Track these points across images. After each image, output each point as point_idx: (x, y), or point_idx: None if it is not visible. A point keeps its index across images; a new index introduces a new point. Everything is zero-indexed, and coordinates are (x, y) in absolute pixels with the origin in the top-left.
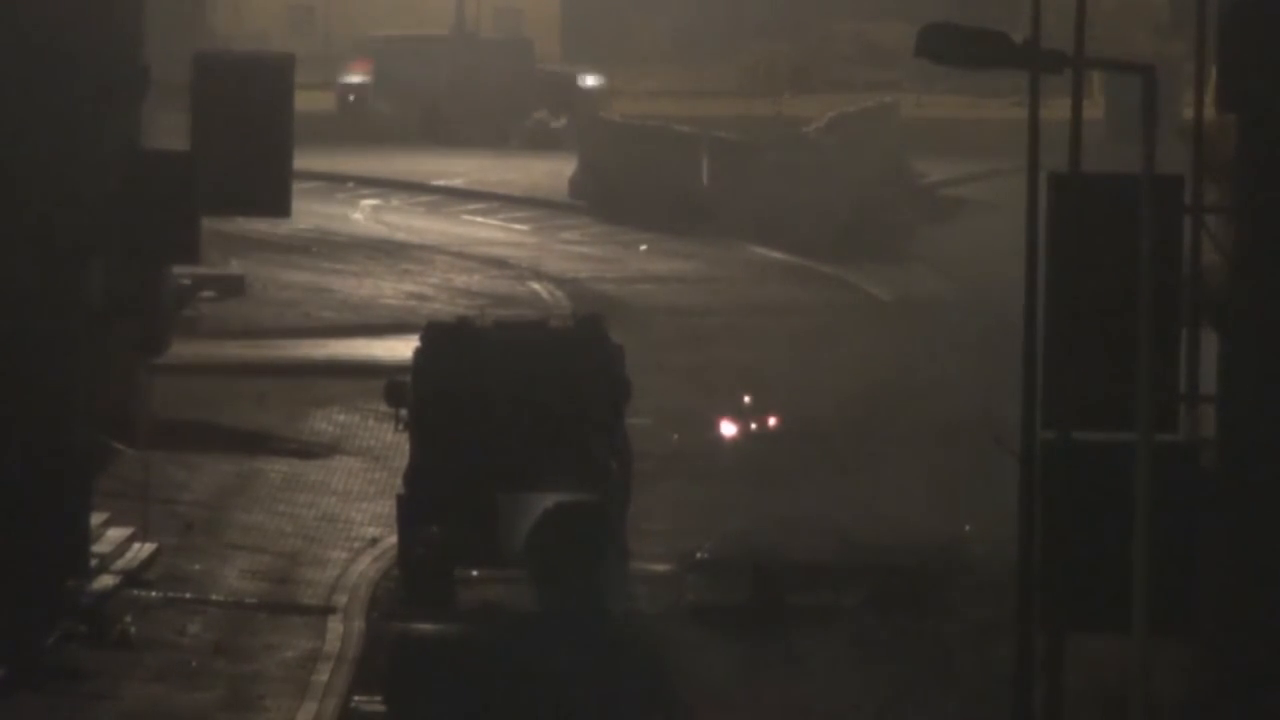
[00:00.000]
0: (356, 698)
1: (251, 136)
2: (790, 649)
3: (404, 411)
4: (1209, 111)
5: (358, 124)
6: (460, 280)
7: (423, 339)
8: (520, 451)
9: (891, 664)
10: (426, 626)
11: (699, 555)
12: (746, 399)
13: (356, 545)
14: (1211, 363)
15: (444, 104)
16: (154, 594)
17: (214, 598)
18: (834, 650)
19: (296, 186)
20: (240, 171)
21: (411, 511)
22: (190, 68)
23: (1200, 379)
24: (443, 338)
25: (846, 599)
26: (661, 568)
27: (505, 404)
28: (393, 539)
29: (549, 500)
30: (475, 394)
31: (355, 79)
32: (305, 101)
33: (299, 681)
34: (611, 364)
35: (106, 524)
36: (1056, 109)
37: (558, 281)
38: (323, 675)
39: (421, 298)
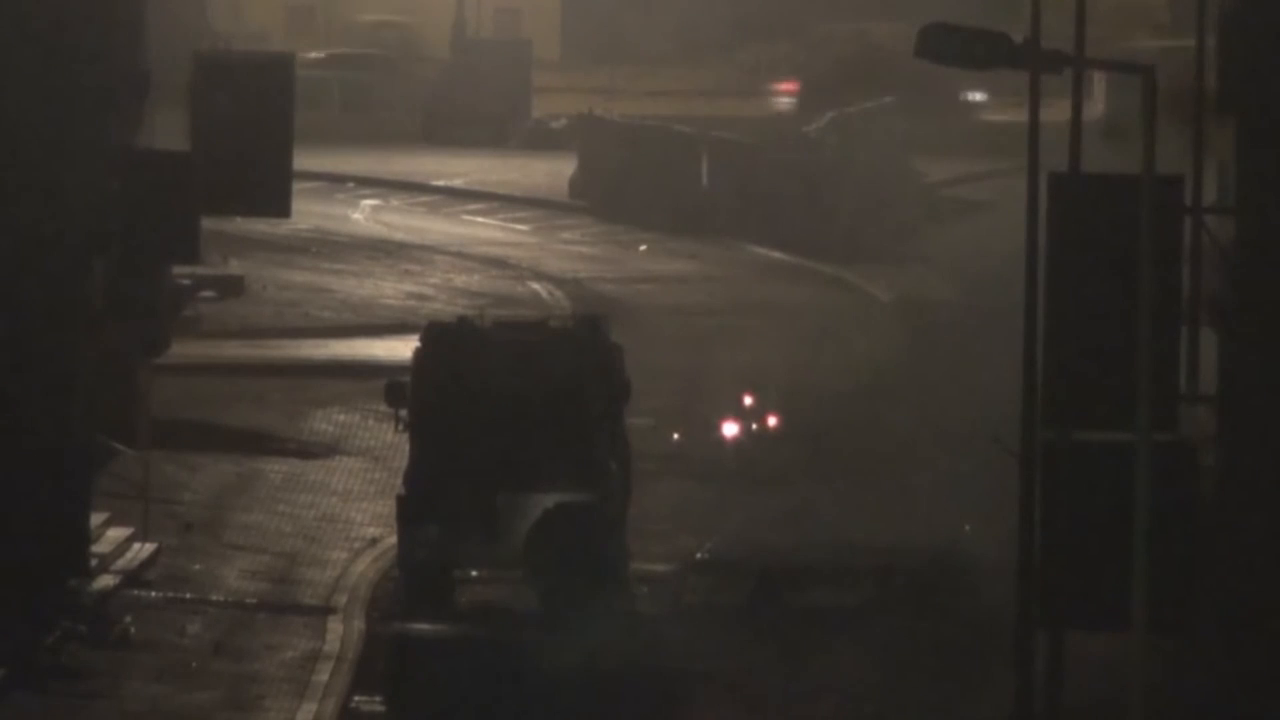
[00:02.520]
0: (356, 698)
1: (251, 136)
2: (791, 648)
3: (404, 412)
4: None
5: None
6: (460, 280)
7: (422, 339)
8: (519, 451)
9: (892, 664)
10: (426, 626)
11: (699, 555)
12: (747, 399)
13: (356, 545)
14: (1211, 363)
15: None
16: (154, 594)
17: (214, 598)
18: (834, 650)
19: (296, 186)
20: (240, 171)
21: (411, 512)
22: (190, 68)
23: (1200, 379)
24: (442, 338)
25: (847, 599)
26: (661, 568)
27: (504, 404)
28: (393, 539)
29: (549, 500)
30: (475, 394)
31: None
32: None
33: (299, 681)
34: (610, 364)
35: (106, 524)
36: (1057, 109)
37: (558, 281)
38: (323, 675)
39: (421, 298)
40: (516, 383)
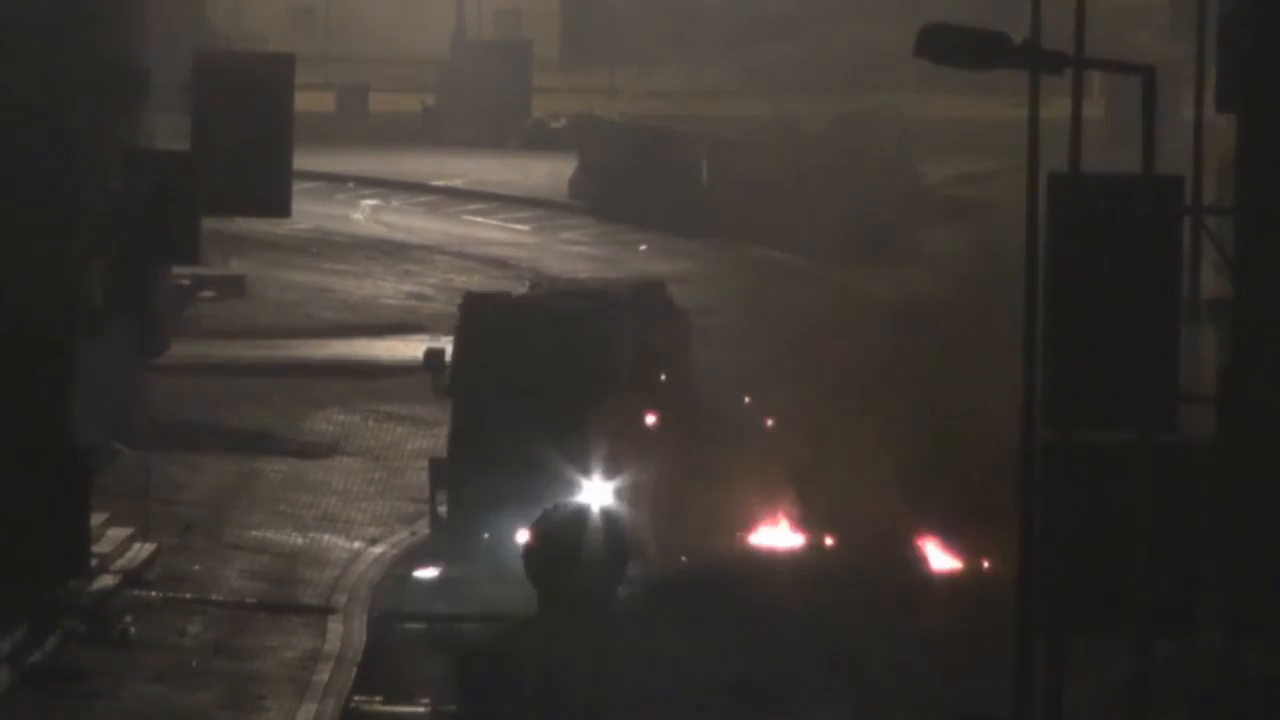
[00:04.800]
0: (356, 698)
1: (251, 136)
2: (791, 648)
3: (441, 378)
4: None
5: None
6: (460, 280)
7: (461, 308)
8: (540, 424)
9: (892, 664)
10: (426, 626)
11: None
12: (746, 400)
13: (356, 545)
14: (1211, 363)
15: None
16: (154, 594)
17: (214, 598)
18: (833, 650)
19: (296, 186)
20: (240, 171)
21: (446, 476)
22: (190, 67)
23: (1200, 379)
24: (480, 306)
25: (844, 600)
26: (660, 568)
27: (531, 375)
28: (393, 539)
29: (557, 480)
30: (505, 363)
31: None
32: (305, 102)
33: (299, 681)
34: (645, 336)
35: (106, 524)
36: (1057, 109)
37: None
38: (323, 675)
39: (422, 298)
40: (544, 354)
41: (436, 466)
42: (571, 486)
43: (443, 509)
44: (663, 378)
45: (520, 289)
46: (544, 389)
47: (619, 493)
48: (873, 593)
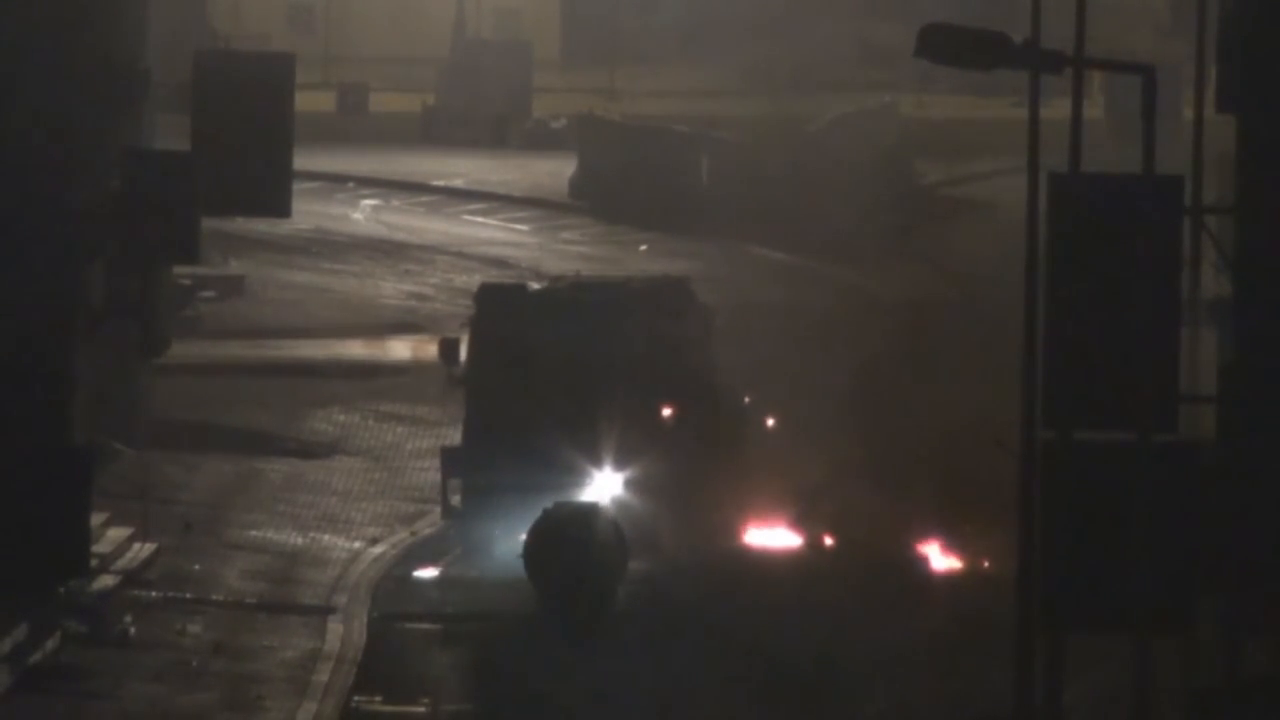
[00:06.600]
0: (356, 698)
1: (251, 136)
2: (791, 647)
3: (454, 368)
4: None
5: None
6: (460, 280)
7: (475, 299)
8: (554, 415)
9: (891, 664)
10: (426, 626)
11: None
12: (747, 400)
13: (356, 545)
14: (1211, 363)
15: None
16: (154, 594)
17: (214, 598)
18: (833, 650)
19: (296, 186)
20: (240, 171)
21: (460, 465)
22: (190, 67)
23: (1200, 379)
24: (497, 297)
25: (841, 599)
26: (657, 567)
27: (546, 365)
28: (393, 539)
29: (562, 488)
30: (517, 355)
31: None
32: (305, 102)
33: (299, 681)
34: (662, 329)
35: (106, 524)
36: (1056, 109)
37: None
38: (323, 675)
39: (421, 298)
40: (558, 344)
41: (449, 456)
42: (583, 476)
43: (455, 499)
44: (680, 371)
45: (534, 285)
46: (558, 379)
47: (630, 484)
48: (872, 593)
